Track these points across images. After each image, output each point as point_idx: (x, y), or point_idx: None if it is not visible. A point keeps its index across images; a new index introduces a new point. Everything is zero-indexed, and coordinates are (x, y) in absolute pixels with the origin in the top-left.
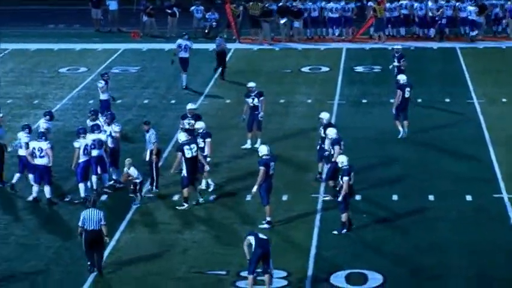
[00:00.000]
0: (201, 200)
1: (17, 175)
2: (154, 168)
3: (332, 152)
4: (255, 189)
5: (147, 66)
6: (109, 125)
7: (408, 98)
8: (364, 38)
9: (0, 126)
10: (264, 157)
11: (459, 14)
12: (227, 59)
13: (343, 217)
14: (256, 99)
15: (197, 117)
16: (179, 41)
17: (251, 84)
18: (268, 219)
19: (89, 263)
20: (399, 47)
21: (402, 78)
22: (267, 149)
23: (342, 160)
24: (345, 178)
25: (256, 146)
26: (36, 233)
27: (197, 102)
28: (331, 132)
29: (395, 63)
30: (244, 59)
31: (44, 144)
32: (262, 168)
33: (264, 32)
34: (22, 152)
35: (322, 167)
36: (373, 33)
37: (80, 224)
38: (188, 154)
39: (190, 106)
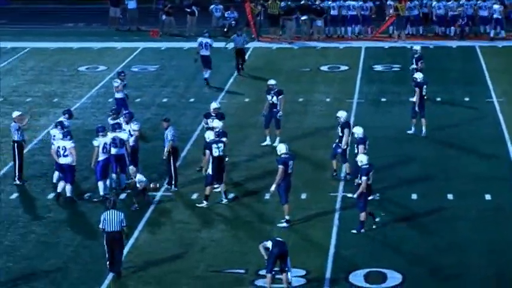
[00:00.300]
0: (224, 201)
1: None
2: (172, 167)
3: (356, 151)
4: (273, 187)
5: (166, 65)
6: (127, 123)
7: (424, 95)
8: (384, 36)
9: (15, 122)
10: (282, 156)
11: (479, 13)
12: (246, 56)
13: (362, 216)
14: (275, 97)
15: (221, 116)
16: (200, 39)
17: (271, 82)
18: (286, 217)
19: (108, 262)
20: (418, 47)
21: (419, 76)
22: (285, 148)
23: (362, 159)
24: (364, 178)
25: (275, 144)
26: (56, 231)
27: (216, 100)
28: (358, 131)
29: (414, 66)
30: (263, 57)
31: (68, 144)
32: (281, 166)
33: (288, 29)
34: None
35: (336, 165)
36: (394, 31)
37: (100, 225)
38: (215, 153)
39: (214, 105)
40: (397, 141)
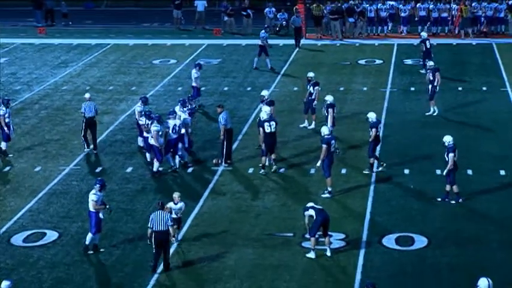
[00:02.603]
0: (274, 167)
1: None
2: (224, 146)
3: (370, 133)
4: (319, 163)
5: (227, 59)
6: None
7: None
8: (414, 34)
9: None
10: (326, 136)
11: (496, 15)
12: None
13: (455, 188)
14: (311, 88)
15: (270, 103)
16: (261, 32)
17: (310, 74)
18: (329, 189)
19: (151, 264)
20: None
21: (431, 63)
22: (328, 130)
23: (448, 140)
24: (451, 155)
25: (311, 127)
26: (133, 199)
27: (269, 89)
28: (372, 116)
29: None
30: (310, 53)
31: (153, 126)
32: (324, 145)
33: (336, 29)
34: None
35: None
36: (459, 30)
37: (149, 225)
38: (268, 129)
39: (263, 93)
40: (423, 124)
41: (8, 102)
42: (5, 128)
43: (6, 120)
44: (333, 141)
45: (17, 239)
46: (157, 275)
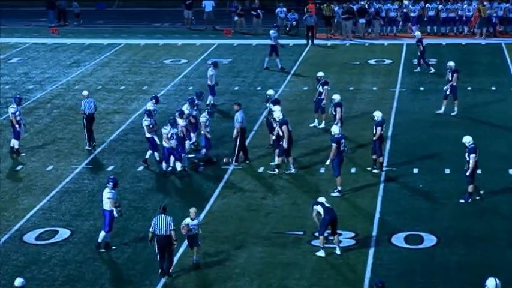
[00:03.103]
0: (293, 170)
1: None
2: (237, 145)
3: (374, 132)
4: (328, 162)
5: (237, 58)
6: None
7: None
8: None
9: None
10: (335, 135)
11: (507, 15)
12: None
13: (470, 188)
14: (321, 87)
15: (274, 101)
16: (271, 32)
17: (319, 74)
18: (339, 188)
19: (159, 270)
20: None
21: (452, 63)
22: (338, 129)
23: (468, 140)
24: (472, 155)
25: (321, 126)
26: (144, 198)
27: (280, 89)
28: (378, 115)
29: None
30: (320, 52)
31: (163, 129)
32: (334, 144)
33: (346, 28)
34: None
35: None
36: (476, 30)
37: (151, 229)
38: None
39: (268, 92)
40: (432, 124)
41: (20, 100)
42: (16, 126)
43: (17, 118)
44: (342, 141)
45: (30, 237)
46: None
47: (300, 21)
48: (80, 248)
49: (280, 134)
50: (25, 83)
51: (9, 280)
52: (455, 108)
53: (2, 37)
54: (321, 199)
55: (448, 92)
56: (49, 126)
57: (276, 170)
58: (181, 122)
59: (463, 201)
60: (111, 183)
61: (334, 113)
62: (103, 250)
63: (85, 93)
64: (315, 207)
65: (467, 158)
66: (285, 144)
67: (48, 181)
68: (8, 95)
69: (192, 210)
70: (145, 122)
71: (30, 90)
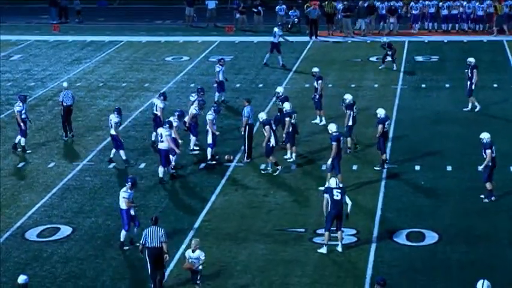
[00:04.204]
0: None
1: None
2: (246, 142)
3: (379, 129)
4: (330, 161)
5: (239, 56)
6: (201, 109)
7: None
8: (424, 31)
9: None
10: (334, 134)
11: None
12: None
13: (488, 186)
14: (315, 82)
15: (284, 99)
16: (276, 29)
17: (314, 69)
18: (340, 185)
19: (151, 286)
20: (472, 59)
21: (472, 60)
22: (335, 126)
23: (485, 136)
24: (488, 151)
25: (322, 123)
26: (146, 195)
27: (281, 86)
28: (381, 112)
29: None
30: (321, 49)
31: (164, 131)
32: (334, 143)
33: (346, 25)
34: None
35: (350, 143)
36: (494, 27)
37: (141, 241)
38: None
39: (278, 89)
40: (434, 121)
41: (25, 98)
42: (22, 124)
43: (23, 116)
44: (341, 138)
45: (31, 234)
46: (170, 270)
47: (302, 18)
48: (81, 245)
49: (265, 134)
50: (26, 80)
51: (11, 277)
52: (469, 105)
53: (3, 34)
54: (332, 182)
55: (473, 88)
56: (50, 123)
57: (279, 168)
58: (174, 124)
59: (487, 200)
60: (129, 183)
61: (346, 112)
62: (127, 248)
63: (65, 84)
64: (325, 195)
65: (484, 155)
66: (264, 144)
67: (50, 178)
68: (10, 92)
69: (194, 241)
70: (115, 119)
71: (31, 87)
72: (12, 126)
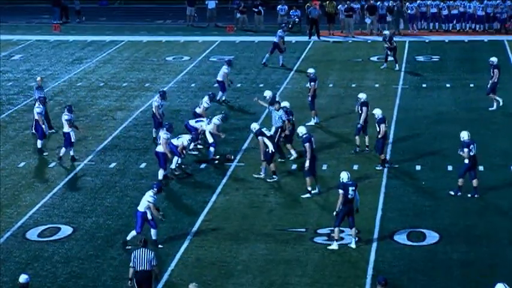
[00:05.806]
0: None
1: None
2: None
3: (378, 129)
4: (307, 164)
5: (240, 55)
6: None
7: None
8: (425, 31)
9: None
10: (304, 136)
11: None
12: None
13: (460, 182)
14: (308, 83)
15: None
16: (279, 31)
17: (309, 70)
18: (309, 188)
19: None
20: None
21: (494, 59)
22: (305, 129)
23: (464, 135)
24: (465, 149)
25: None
26: None
27: (282, 86)
28: (378, 112)
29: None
30: (322, 49)
31: (163, 134)
32: (307, 144)
33: (348, 25)
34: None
35: (358, 141)
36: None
37: (131, 264)
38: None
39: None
40: (435, 121)
41: (45, 100)
42: (42, 126)
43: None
44: (312, 138)
45: (32, 234)
46: (171, 270)
47: (303, 17)
48: (82, 245)
49: (260, 144)
50: (27, 80)
51: (12, 277)
52: (494, 103)
53: (4, 34)
54: (344, 176)
55: (494, 87)
56: (51, 123)
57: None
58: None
59: (452, 193)
60: (155, 188)
61: (360, 112)
62: (129, 247)
63: (38, 79)
64: (340, 191)
65: (461, 153)
66: (262, 152)
67: (51, 178)
68: (11, 92)
69: (192, 285)
70: (65, 116)
71: (32, 87)
72: (12, 126)
